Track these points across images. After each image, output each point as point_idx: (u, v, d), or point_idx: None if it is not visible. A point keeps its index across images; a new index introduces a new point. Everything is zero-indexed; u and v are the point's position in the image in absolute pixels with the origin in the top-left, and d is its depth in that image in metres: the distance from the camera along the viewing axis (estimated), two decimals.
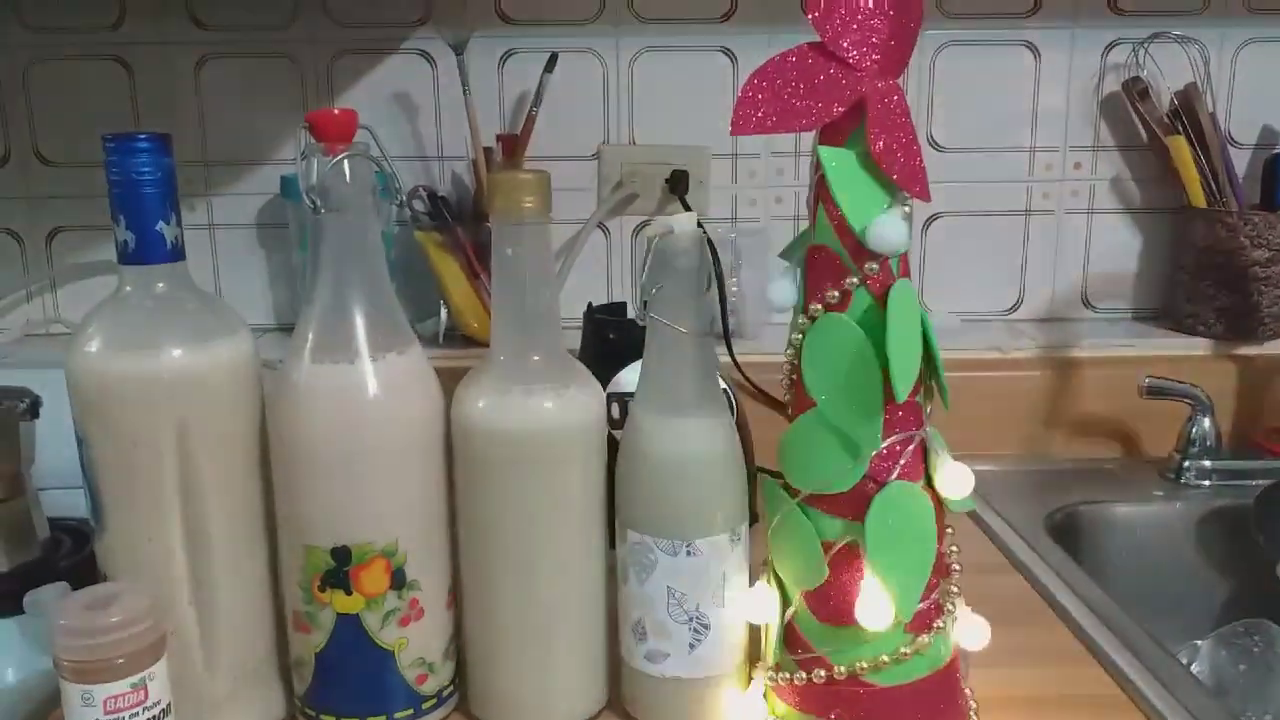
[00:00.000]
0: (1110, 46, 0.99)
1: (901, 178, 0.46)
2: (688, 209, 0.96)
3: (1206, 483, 0.85)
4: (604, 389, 0.62)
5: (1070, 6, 0.98)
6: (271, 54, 0.98)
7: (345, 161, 0.49)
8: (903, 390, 0.45)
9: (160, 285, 0.48)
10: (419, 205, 0.98)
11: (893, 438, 0.48)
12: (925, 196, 0.47)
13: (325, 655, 0.50)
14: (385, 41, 0.98)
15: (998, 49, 0.99)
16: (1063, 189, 1.02)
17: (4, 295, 1.01)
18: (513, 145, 0.97)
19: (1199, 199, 0.95)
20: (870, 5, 0.46)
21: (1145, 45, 0.97)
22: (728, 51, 0.98)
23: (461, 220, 0.96)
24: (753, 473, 0.70)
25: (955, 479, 0.48)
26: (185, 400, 0.47)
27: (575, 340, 0.86)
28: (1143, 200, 1.02)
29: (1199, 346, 0.95)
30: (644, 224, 0.98)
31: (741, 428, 0.76)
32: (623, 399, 0.62)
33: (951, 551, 0.51)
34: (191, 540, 0.49)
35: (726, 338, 0.90)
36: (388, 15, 0.97)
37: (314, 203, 0.48)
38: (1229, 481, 0.85)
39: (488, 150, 0.96)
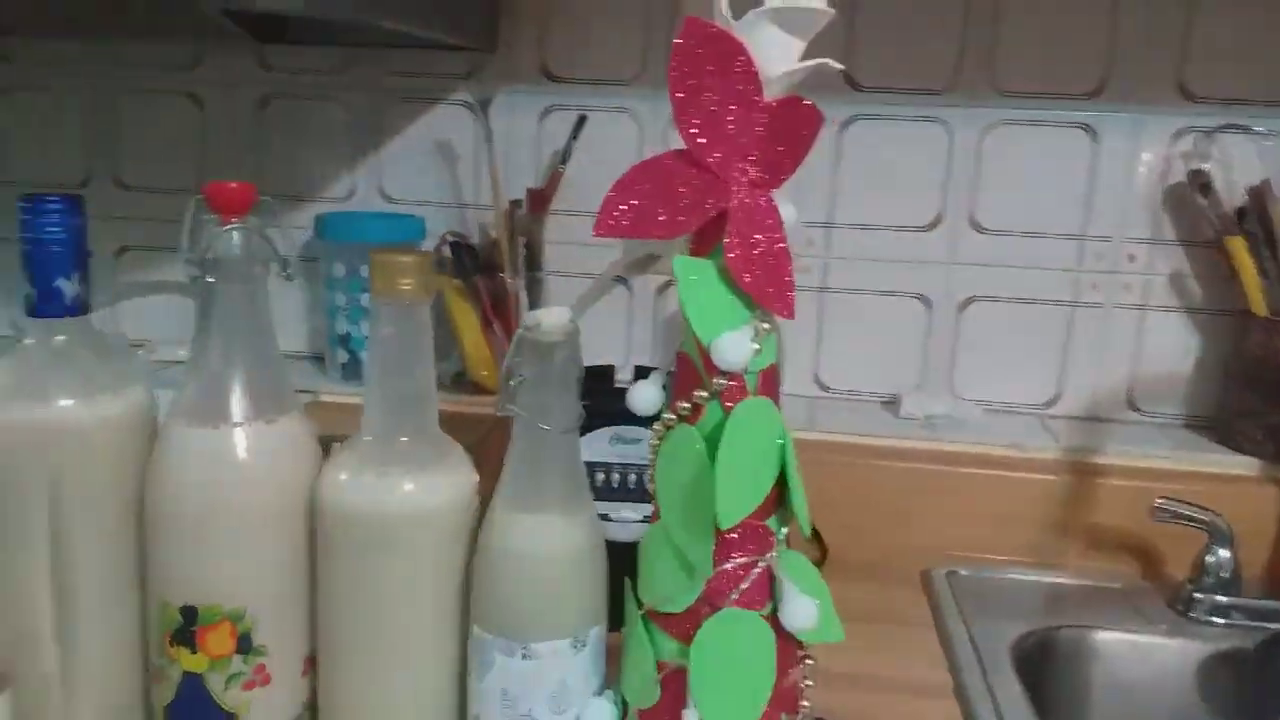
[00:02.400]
0: (1179, 134, 0.92)
1: (759, 294, 0.44)
2: None
3: (1219, 620, 0.77)
4: None
5: (1136, 89, 0.91)
6: (327, 98, 1.03)
7: (235, 232, 0.50)
8: (727, 519, 0.43)
9: (59, 338, 0.51)
10: (445, 251, 1.00)
11: (733, 561, 0.46)
12: (787, 314, 0.45)
13: (172, 710, 0.52)
14: (433, 92, 1.01)
15: (1052, 130, 0.93)
16: (1114, 281, 0.95)
17: None
18: (539, 199, 0.99)
19: (1259, 306, 0.87)
20: (741, 113, 0.44)
21: (1212, 135, 0.90)
22: None
23: (480, 270, 0.97)
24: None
25: (796, 612, 0.46)
26: (61, 451, 0.50)
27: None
28: (1203, 300, 0.94)
29: (1243, 466, 0.87)
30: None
31: None
32: None
33: (803, 685, 0.48)
34: (59, 585, 0.51)
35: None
36: (435, 68, 1.00)
37: (195, 273, 0.50)
38: (1247, 622, 0.76)
39: (515, 203, 0.98)
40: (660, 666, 0.47)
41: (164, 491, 0.50)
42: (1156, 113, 0.92)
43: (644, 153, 0.99)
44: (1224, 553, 0.77)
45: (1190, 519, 0.77)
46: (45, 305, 0.50)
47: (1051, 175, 0.94)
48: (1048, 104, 0.93)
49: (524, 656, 0.48)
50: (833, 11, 0.46)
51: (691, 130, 0.45)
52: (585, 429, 0.68)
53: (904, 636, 0.50)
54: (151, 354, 0.91)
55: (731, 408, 0.45)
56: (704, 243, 0.46)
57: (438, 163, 1.03)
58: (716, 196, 0.45)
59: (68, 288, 0.51)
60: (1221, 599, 0.77)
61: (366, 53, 1.01)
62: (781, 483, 0.47)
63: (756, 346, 0.45)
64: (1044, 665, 0.74)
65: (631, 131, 0.99)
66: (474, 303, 0.97)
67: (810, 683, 0.48)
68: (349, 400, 0.93)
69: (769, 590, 0.47)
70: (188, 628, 0.50)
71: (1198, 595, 0.78)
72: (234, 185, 0.51)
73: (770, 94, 0.46)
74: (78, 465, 0.50)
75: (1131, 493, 0.86)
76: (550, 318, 0.49)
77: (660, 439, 0.47)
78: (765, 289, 0.45)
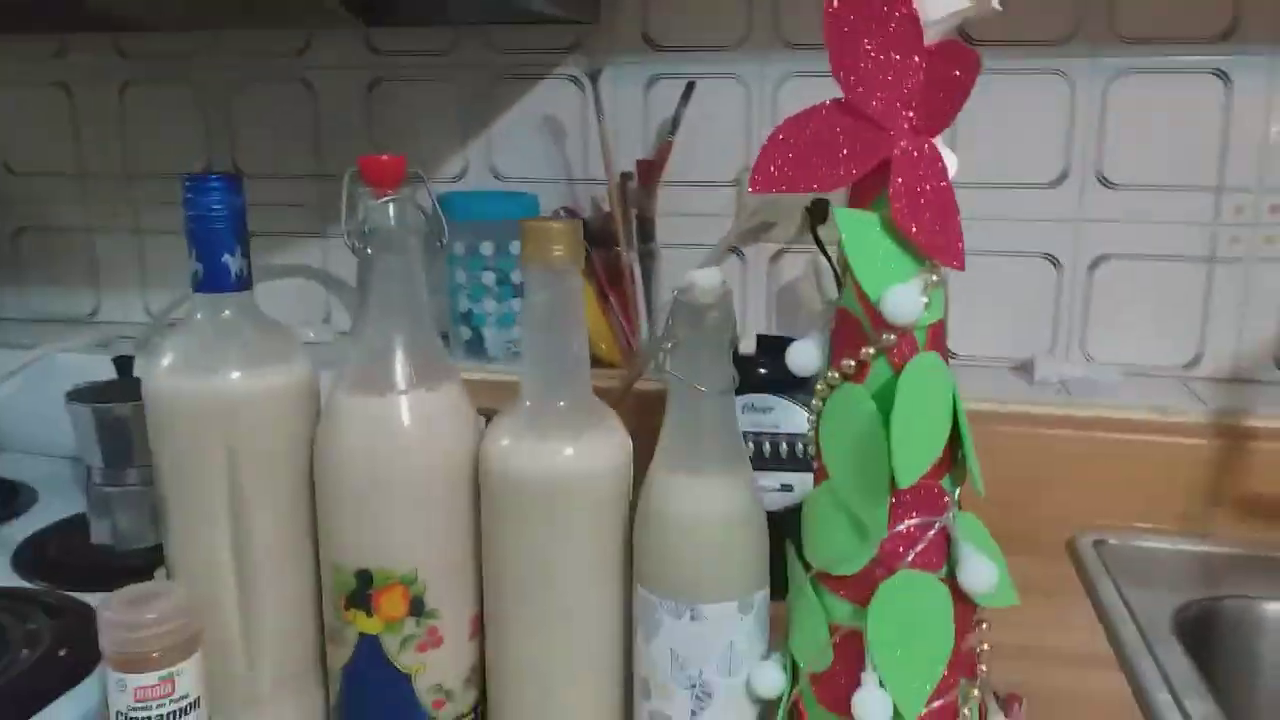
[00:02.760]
0: None
1: (926, 245, 0.43)
2: (818, 239, 0.93)
3: None
4: None
5: (1270, 30, 0.86)
6: (434, 79, 1.03)
7: (391, 205, 0.51)
8: (906, 477, 0.42)
9: (226, 313, 0.53)
10: None
11: (907, 522, 0.45)
12: (958, 265, 0.44)
13: (350, 671, 0.53)
14: (538, 68, 1.01)
15: (1180, 77, 0.89)
16: (1255, 234, 0.90)
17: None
18: (650, 170, 0.98)
19: None
20: (900, 59, 0.43)
21: None
22: None
23: (594, 244, 0.97)
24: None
25: (977, 574, 0.44)
26: (235, 421, 0.51)
27: None
28: None
29: None
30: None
31: None
32: None
33: (981, 650, 0.47)
34: (238, 550, 0.53)
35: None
36: (540, 42, 1.00)
37: (356, 244, 0.51)
38: None
39: (626, 175, 0.98)
40: (833, 629, 0.46)
41: (334, 459, 0.51)
42: None
43: (752, 118, 0.98)
44: None
45: None
46: (212, 280, 0.52)
47: (1182, 125, 0.90)
48: (1175, 49, 0.89)
49: (692, 618, 0.48)
50: None
51: (851, 78, 0.44)
52: None
53: (1058, 607, 0.48)
54: None
55: (901, 364, 0.44)
56: (864, 195, 0.45)
57: (546, 138, 1.03)
58: (878, 145, 0.43)
59: (232, 263, 0.52)
60: None
61: (470, 31, 1.02)
62: (953, 443, 0.45)
63: (926, 300, 0.43)
64: (1207, 637, 0.71)
65: (738, 97, 0.98)
66: (589, 277, 0.97)
67: (987, 647, 0.47)
68: (474, 377, 0.95)
69: (944, 552, 0.46)
70: (363, 591, 0.51)
71: None
72: (386, 158, 0.51)
73: (927, 39, 0.44)
74: (251, 436, 0.52)
75: None
76: (703, 279, 0.48)
77: (823, 400, 0.46)
78: (934, 239, 0.43)
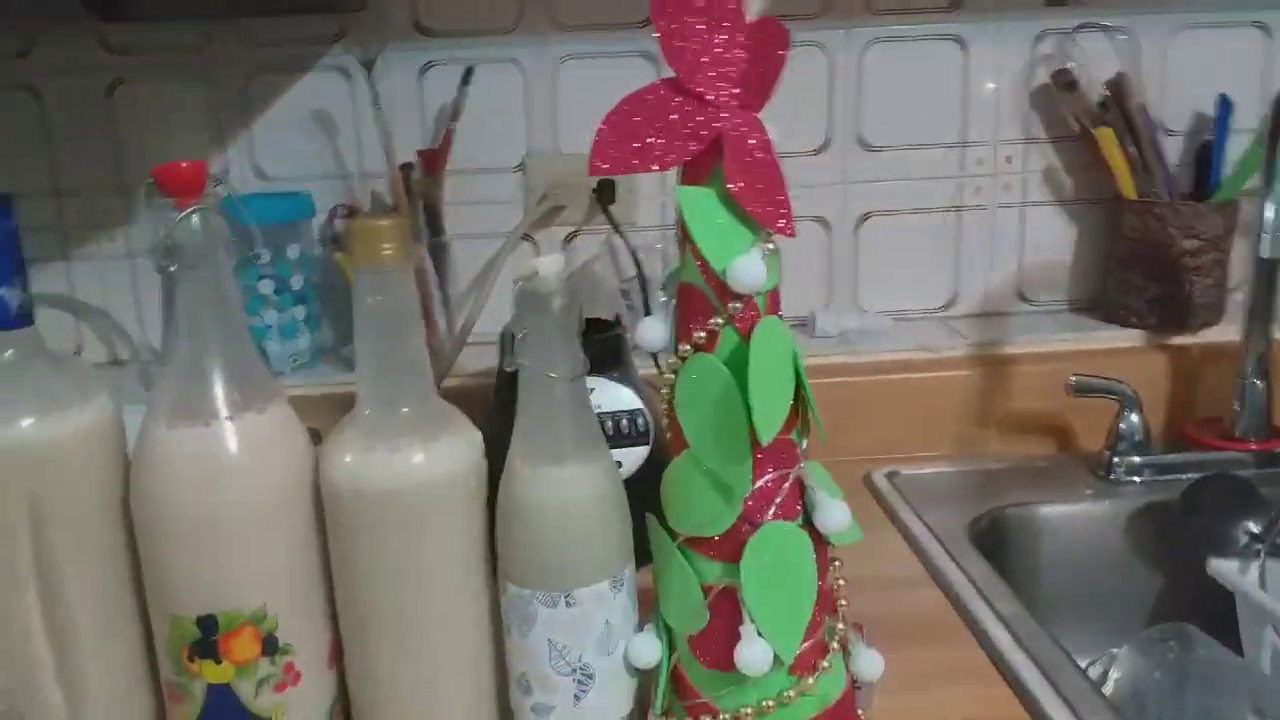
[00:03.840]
0: (1039, 37, 0.98)
1: (762, 215, 0.45)
2: (611, 219, 0.94)
3: (1137, 479, 0.85)
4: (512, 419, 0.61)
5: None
6: (185, 78, 0.96)
7: (194, 215, 0.47)
8: (766, 433, 0.44)
9: (8, 353, 0.47)
10: (339, 226, 0.96)
11: (765, 477, 0.47)
12: (788, 232, 0.46)
13: None
14: (301, 60, 0.96)
15: (925, 44, 0.98)
16: (995, 183, 1.01)
17: None
18: (433, 160, 0.96)
19: (1129, 190, 0.94)
20: (725, 38, 0.45)
21: (1073, 35, 0.96)
22: (648, 56, 0.96)
23: None
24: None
25: (831, 517, 0.47)
26: (38, 473, 0.46)
27: (492, 360, 0.85)
28: (1076, 192, 1.01)
29: (1132, 339, 0.95)
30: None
31: (663, 446, 0.75)
32: None
33: (837, 585, 0.50)
34: (51, 619, 0.47)
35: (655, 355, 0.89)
36: (302, 33, 0.95)
37: (162, 263, 0.46)
38: (1160, 477, 0.84)
39: (407, 166, 0.95)
40: (706, 590, 0.48)
41: (158, 499, 0.47)
42: (1018, 18, 0.97)
43: (533, 102, 0.98)
44: (1134, 418, 0.84)
45: (1104, 390, 0.84)
46: None
47: (929, 89, 0.99)
48: (918, 20, 0.97)
49: (568, 605, 0.48)
50: None
51: (680, 58, 0.45)
52: None
53: (867, 538, 0.53)
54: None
55: (747, 330, 0.46)
56: (697, 172, 0.47)
57: (314, 133, 0.98)
58: (710, 121, 0.45)
59: (11, 296, 0.46)
60: (1136, 459, 0.85)
61: (222, 24, 0.95)
62: (795, 399, 0.48)
63: (766, 267, 0.45)
64: (997, 543, 0.79)
65: (516, 81, 0.97)
66: None
67: (843, 582, 0.50)
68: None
69: (799, 500, 0.48)
70: (208, 638, 0.47)
71: (1115, 460, 0.85)
72: (185, 165, 0.47)
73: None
74: (54, 486, 0.46)
75: (1039, 377, 0.92)
76: (547, 266, 0.48)
77: (675, 372, 0.48)
78: (767, 209, 0.45)
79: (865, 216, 1.01)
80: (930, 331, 0.99)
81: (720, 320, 0.46)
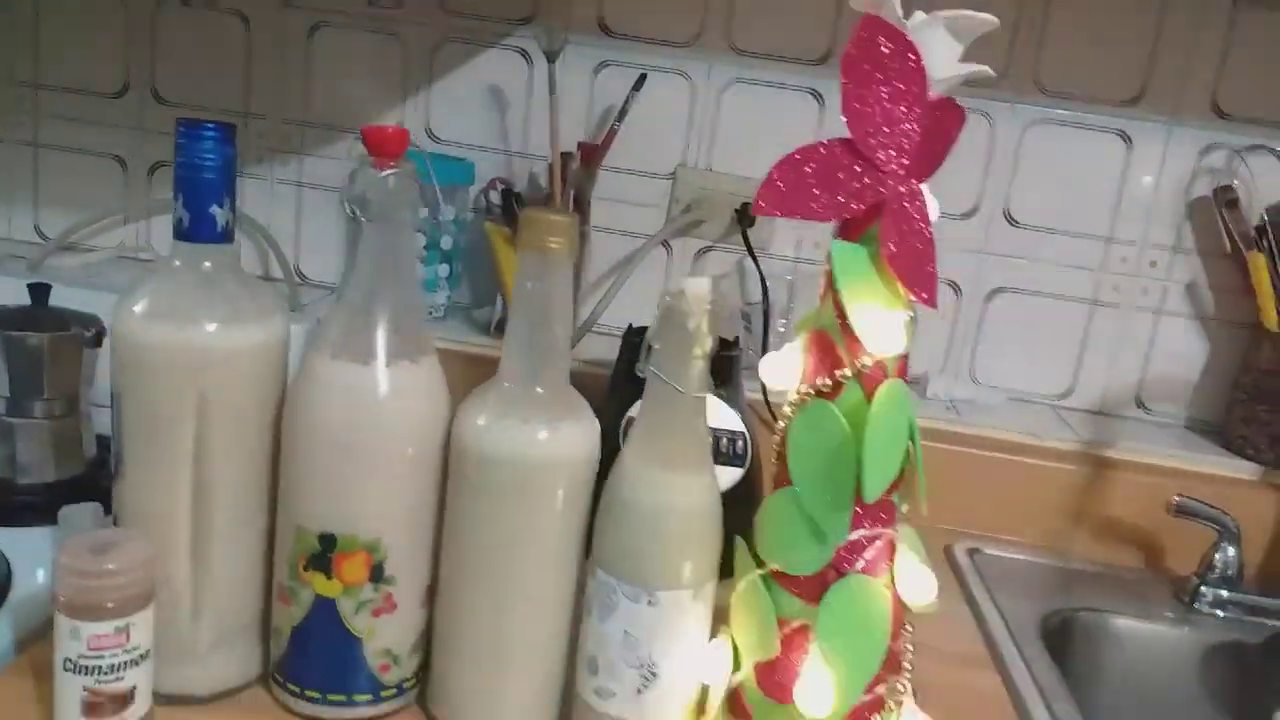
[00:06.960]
0: (1208, 149, 0.97)
1: (908, 283, 0.47)
2: (748, 243, 0.97)
3: (1220, 613, 0.83)
4: (626, 411, 0.65)
5: (1171, 102, 0.96)
6: (380, 30, 1.02)
7: (390, 177, 0.51)
8: (873, 492, 0.46)
9: (207, 264, 0.52)
10: (494, 197, 1.01)
11: (861, 531, 0.49)
12: (931, 304, 0.48)
13: (300, 630, 0.54)
14: (488, 35, 1.01)
15: (1090, 133, 0.97)
16: (1134, 284, 1.00)
17: (104, 217, 1.07)
18: (591, 154, 0.99)
19: (1272, 321, 0.92)
20: (905, 110, 0.47)
21: (1242, 154, 0.94)
22: (816, 94, 0.98)
23: None
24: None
25: (915, 584, 0.49)
26: (209, 374, 0.51)
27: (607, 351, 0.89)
28: (1215, 311, 0.99)
29: (1244, 470, 0.93)
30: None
31: (757, 471, 0.77)
32: None
33: (906, 650, 0.52)
34: (197, 501, 0.52)
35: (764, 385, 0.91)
36: (494, 10, 1.00)
37: (353, 211, 0.51)
38: (1246, 616, 0.83)
39: (567, 155, 0.99)
40: (781, 623, 0.50)
41: (308, 424, 0.52)
42: (1190, 126, 0.96)
43: (696, 116, 1.01)
44: (1231, 550, 0.83)
45: (1208, 518, 0.83)
46: (197, 230, 0.51)
47: (1086, 177, 0.98)
48: (1087, 107, 0.97)
49: (650, 603, 0.51)
50: (997, 21, 0.48)
51: (858, 120, 0.47)
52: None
53: (939, 609, 0.54)
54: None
55: (872, 389, 0.48)
56: (854, 228, 0.49)
57: (488, 106, 1.03)
58: (876, 186, 0.47)
59: (220, 215, 0.51)
60: (1224, 593, 0.83)
61: None
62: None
63: (903, 334, 0.47)
64: (1065, 643, 0.79)
65: (684, 94, 1.00)
66: None
67: (911, 648, 0.52)
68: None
69: (889, 560, 0.50)
70: (325, 554, 0.52)
71: (1203, 589, 0.84)
72: (391, 129, 0.52)
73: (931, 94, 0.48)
74: (222, 388, 0.51)
75: (1141, 487, 0.91)
76: (694, 287, 0.51)
77: (795, 410, 0.50)
78: (915, 279, 0.47)
79: (997, 290, 1.01)
80: (1041, 418, 0.99)
81: (848, 373, 0.48)
